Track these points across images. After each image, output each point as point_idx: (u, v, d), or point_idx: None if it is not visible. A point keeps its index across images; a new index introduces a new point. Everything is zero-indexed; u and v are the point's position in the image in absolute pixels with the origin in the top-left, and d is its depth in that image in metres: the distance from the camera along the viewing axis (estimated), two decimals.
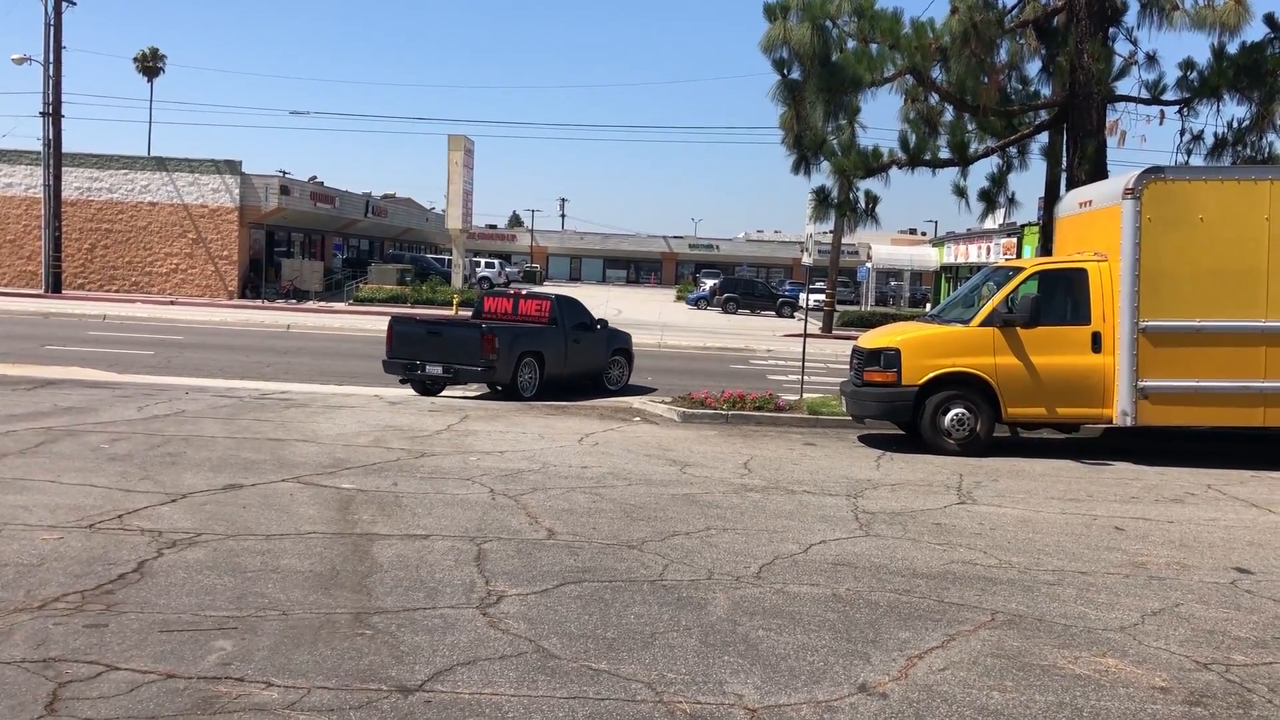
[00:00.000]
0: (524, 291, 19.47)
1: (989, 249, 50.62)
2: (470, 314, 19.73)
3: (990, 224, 53.39)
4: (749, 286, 56.96)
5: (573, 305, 18.92)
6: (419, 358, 16.53)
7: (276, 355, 22.97)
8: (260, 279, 46.01)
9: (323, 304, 43.00)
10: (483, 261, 69.52)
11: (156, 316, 33.11)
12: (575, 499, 9.42)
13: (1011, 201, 18.78)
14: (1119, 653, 5.92)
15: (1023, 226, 45.08)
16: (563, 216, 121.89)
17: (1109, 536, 8.94)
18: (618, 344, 19.14)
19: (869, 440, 14.19)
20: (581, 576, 6.97)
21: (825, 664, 5.55)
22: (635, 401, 16.98)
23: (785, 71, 16.18)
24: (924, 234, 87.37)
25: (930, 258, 63.67)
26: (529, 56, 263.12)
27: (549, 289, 71.25)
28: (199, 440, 11.66)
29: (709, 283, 61.11)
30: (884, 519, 9.24)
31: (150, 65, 76.28)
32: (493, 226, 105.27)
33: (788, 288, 67.81)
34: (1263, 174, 13.43)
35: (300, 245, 53.35)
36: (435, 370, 16.45)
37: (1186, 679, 5.55)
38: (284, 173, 47.52)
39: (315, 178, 52.66)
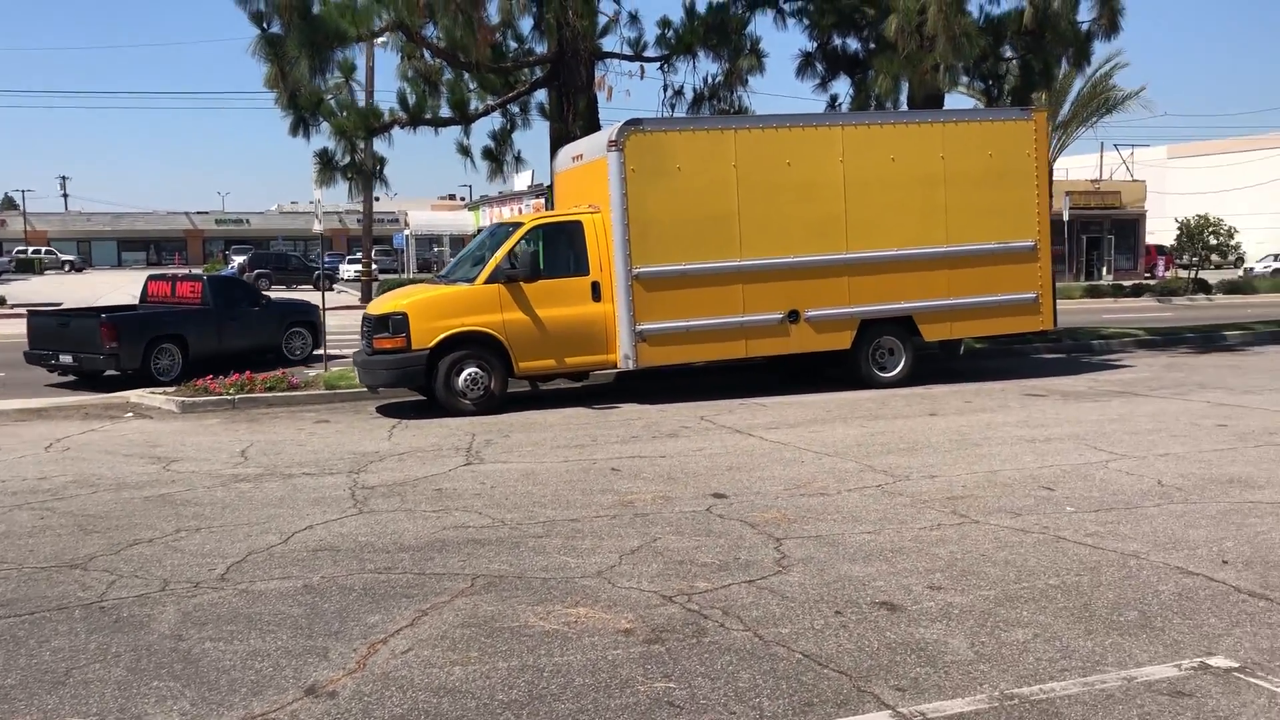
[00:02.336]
0: (181, 274, 20.14)
1: (520, 209, 51.76)
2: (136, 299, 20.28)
3: (521, 185, 54.72)
4: (282, 260, 54.15)
5: (230, 285, 19.78)
6: (53, 348, 16.78)
7: None
8: None
9: None
10: None
11: None
12: (17, 518, 8.04)
13: (519, 159, 19.05)
14: (591, 599, 5.87)
15: (549, 186, 46.52)
16: (65, 196, 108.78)
17: (604, 479, 9.11)
18: (296, 317, 19.55)
19: (388, 410, 13.68)
20: None
21: (274, 669, 4.96)
22: (133, 395, 15.21)
23: (265, 25, 15.03)
24: (462, 199, 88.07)
25: (468, 222, 64.17)
26: (9, 15, 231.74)
27: (60, 279, 63.46)
28: None
29: (238, 259, 57.33)
30: (383, 492, 8.77)
31: None
32: None
33: (327, 260, 65.55)
34: (728, 123, 14.45)
35: None
36: (68, 360, 16.64)
37: (651, 616, 5.59)
38: None
39: None
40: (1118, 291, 40.50)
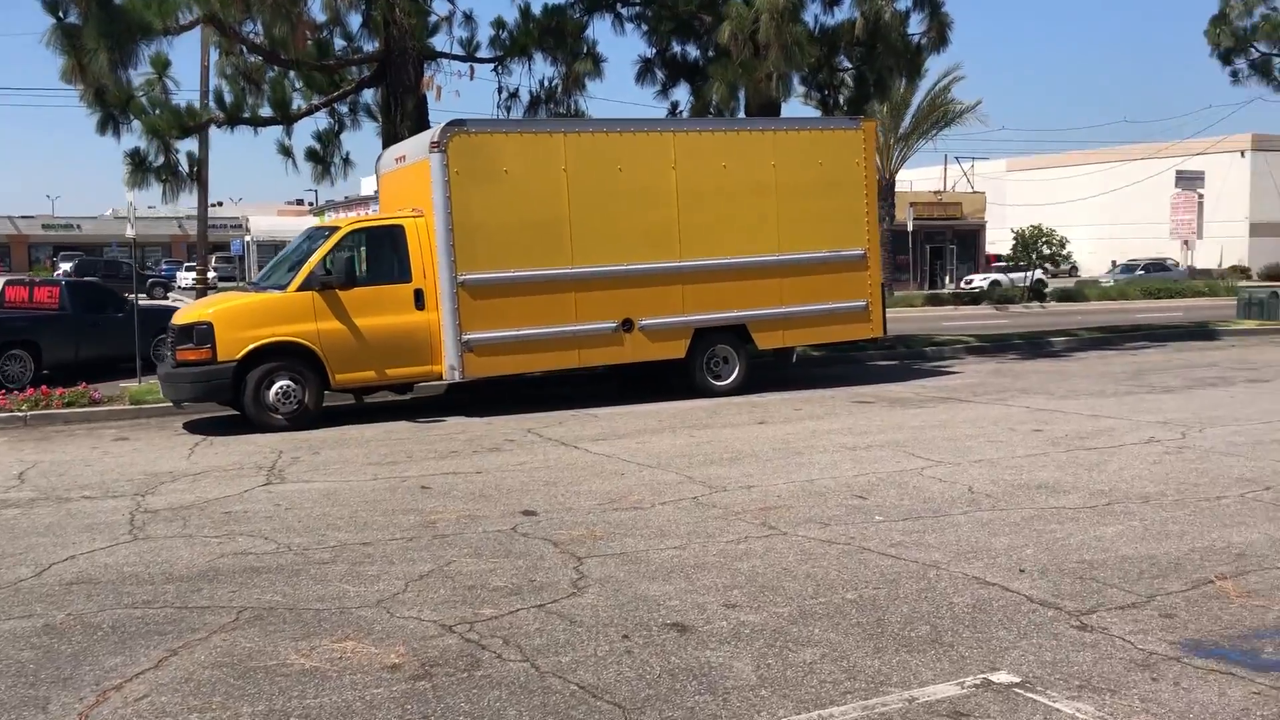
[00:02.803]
0: (39, 279, 19.87)
1: (368, 214, 50.51)
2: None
3: (368, 189, 53.27)
4: (112, 268, 51.32)
5: (89, 290, 19.31)
6: None
7: None
8: None
9: None
10: None
11: None
12: None
13: (347, 161, 18.32)
14: (364, 632, 5.42)
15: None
16: None
17: (412, 498, 8.63)
18: (164, 323, 18.12)
19: (197, 426, 12.88)
20: None
21: None
22: None
23: (61, 14, 14.00)
24: (310, 204, 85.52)
25: None
26: None
27: None
28: None
29: (65, 266, 54.32)
30: (166, 517, 8.11)
31: None
32: None
33: (164, 268, 62.97)
34: (557, 126, 14.13)
35: None
36: None
37: (425, 649, 5.17)
38: None
39: None
40: (958, 299, 41.81)
